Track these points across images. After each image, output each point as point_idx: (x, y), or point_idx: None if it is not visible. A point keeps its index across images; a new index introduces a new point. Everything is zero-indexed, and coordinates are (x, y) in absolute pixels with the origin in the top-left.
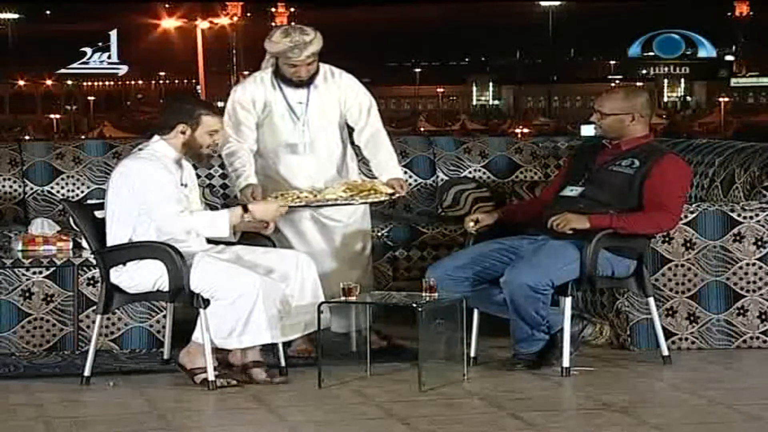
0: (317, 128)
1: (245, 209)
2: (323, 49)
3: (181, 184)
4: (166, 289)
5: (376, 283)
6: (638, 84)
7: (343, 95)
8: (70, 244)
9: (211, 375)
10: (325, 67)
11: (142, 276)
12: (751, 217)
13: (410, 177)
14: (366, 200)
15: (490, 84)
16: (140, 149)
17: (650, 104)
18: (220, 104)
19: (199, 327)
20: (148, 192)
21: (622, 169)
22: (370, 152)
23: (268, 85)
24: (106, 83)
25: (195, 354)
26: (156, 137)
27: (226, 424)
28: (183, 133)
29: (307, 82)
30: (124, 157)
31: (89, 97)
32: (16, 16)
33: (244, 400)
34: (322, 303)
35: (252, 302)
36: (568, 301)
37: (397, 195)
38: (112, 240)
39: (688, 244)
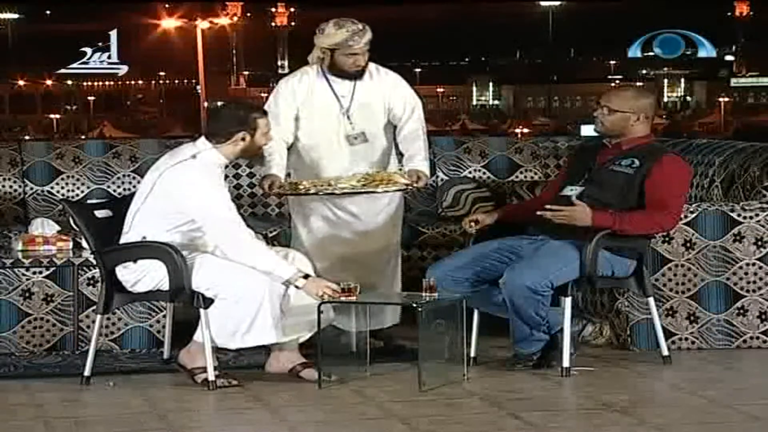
0: (361, 122)
1: (306, 277)
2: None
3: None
4: (166, 288)
5: None
6: (640, 84)
7: (388, 92)
8: (70, 244)
9: (211, 375)
10: (371, 64)
11: (147, 276)
12: (751, 217)
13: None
14: (379, 190)
15: (490, 84)
16: (193, 156)
17: (655, 106)
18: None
19: (200, 326)
20: (205, 205)
21: (622, 169)
22: (405, 146)
23: (314, 78)
24: (106, 83)
25: (195, 354)
26: (207, 144)
27: (226, 424)
28: (243, 140)
29: (355, 76)
30: (175, 160)
31: (89, 97)
32: (16, 16)
33: (244, 400)
34: (323, 303)
35: (259, 302)
36: (568, 301)
37: (414, 186)
38: (127, 239)
39: (688, 244)
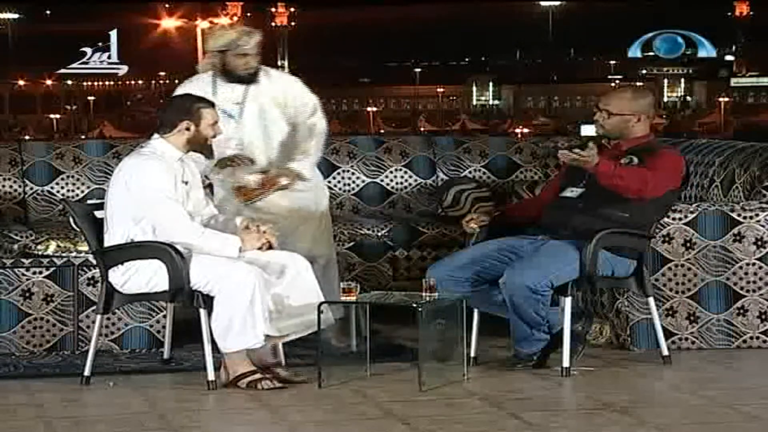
0: (254, 127)
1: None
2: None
3: (183, 182)
4: (160, 289)
5: (377, 283)
6: (639, 84)
7: (282, 92)
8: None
9: (211, 374)
10: (262, 67)
11: (136, 276)
12: (751, 217)
13: (410, 177)
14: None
15: (490, 84)
16: (142, 147)
17: (654, 106)
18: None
19: (217, 337)
20: (144, 190)
21: None
22: (297, 145)
23: (209, 87)
24: (106, 83)
25: (230, 365)
26: (156, 136)
27: (226, 424)
28: (188, 129)
29: (247, 80)
30: (124, 156)
31: (89, 97)
32: (16, 16)
33: (244, 400)
34: (322, 303)
35: (251, 293)
36: (568, 301)
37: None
38: (109, 240)
39: (688, 244)
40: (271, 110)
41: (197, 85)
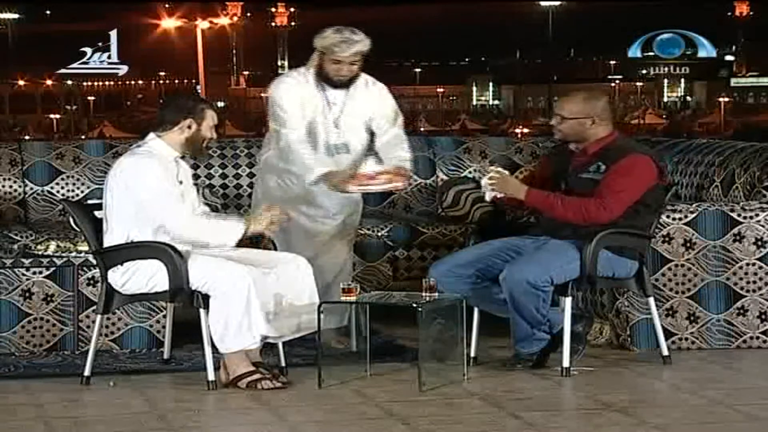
0: (348, 131)
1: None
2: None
3: (178, 182)
4: (160, 289)
5: (377, 283)
6: (597, 87)
7: (374, 103)
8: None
9: (211, 374)
10: (364, 76)
11: (136, 276)
12: (751, 217)
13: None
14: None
15: (490, 84)
16: (138, 146)
17: (609, 108)
18: (220, 104)
19: (215, 338)
20: (143, 189)
21: (591, 175)
22: (388, 149)
23: (312, 83)
24: (106, 83)
25: (230, 365)
26: (152, 135)
27: (226, 424)
28: (189, 127)
29: (345, 85)
30: (124, 155)
31: (89, 97)
32: (16, 16)
33: (244, 400)
34: (322, 303)
35: (246, 295)
36: (568, 301)
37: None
38: (109, 240)
39: (688, 244)
40: (361, 119)
41: (298, 82)
